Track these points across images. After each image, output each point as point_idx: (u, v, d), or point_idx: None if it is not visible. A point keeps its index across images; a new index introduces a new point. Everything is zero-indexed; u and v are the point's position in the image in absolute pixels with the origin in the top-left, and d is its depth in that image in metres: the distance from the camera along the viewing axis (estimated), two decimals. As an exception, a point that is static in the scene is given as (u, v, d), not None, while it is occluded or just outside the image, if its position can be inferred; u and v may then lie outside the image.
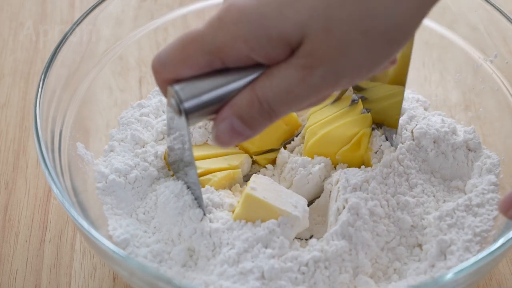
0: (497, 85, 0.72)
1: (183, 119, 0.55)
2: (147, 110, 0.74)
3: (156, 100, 0.76)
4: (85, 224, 0.58)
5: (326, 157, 0.70)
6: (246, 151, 0.72)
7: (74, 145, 0.68)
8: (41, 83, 0.65)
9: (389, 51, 0.50)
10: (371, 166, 0.69)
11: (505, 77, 0.72)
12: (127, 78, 0.79)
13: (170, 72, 0.53)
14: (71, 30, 0.70)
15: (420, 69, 0.81)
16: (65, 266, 0.70)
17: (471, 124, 0.74)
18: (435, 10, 0.77)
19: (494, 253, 0.57)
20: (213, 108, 0.54)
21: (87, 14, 0.72)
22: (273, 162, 0.72)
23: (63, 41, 0.69)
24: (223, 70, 0.53)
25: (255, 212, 0.63)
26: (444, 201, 0.68)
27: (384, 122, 0.71)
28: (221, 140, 0.54)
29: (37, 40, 0.89)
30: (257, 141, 0.71)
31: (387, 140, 0.71)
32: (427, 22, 0.77)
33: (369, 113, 0.71)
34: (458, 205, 0.65)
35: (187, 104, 0.54)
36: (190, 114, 0.54)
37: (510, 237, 0.57)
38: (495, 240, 0.58)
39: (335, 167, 0.71)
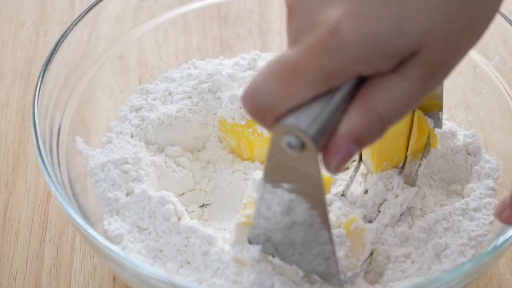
0: (497, 88, 0.72)
1: (311, 152, 0.48)
2: (154, 96, 0.74)
3: (163, 86, 0.75)
4: (76, 216, 0.58)
5: (395, 159, 0.67)
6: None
7: (73, 140, 0.68)
8: (40, 78, 0.65)
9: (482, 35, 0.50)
10: (437, 144, 0.67)
11: (506, 81, 0.72)
12: (127, 78, 0.79)
13: (274, 114, 0.47)
14: (71, 27, 0.70)
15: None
16: (65, 266, 0.70)
17: (472, 125, 0.74)
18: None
19: (485, 257, 0.57)
20: (329, 131, 0.48)
21: (87, 12, 0.72)
22: None
23: (63, 37, 0.69)
24: None
25: None
26: (442, 205, 0.68)
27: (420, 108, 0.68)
28: (338, 170, 0.49)
29: (37, 40, 0.89)
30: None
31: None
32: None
33: None
34: (454, 208, 0.66)
35: (312, 131, 0.46)
36: (318, 141, 0.47)
37: (498, 244, 0.57)
38: (489, 245, 0.59)
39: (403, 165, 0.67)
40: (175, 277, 0.61)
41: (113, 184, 0.66)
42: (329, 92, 0.47)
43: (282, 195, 0.53)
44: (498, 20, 0.71)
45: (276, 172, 0.53)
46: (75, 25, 0.70)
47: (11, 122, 0.81)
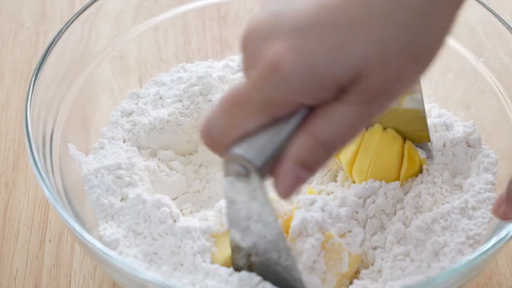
0: (497, 88, 0.72)
1: (255, 181, 0.51)
2: (144, 101, 0.74)
3: (154, 90, 0.75)
4: (75, 224, 0.58)
5: None
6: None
7: (66, 146, 0.68)
8: (32, 83, 0.65)
9: (430, 66, 0.52)
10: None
11: (503, 81, 0.72)
12: (127, 78, 0.79)
13: (224, 143, 0.52)
14: (65, 28, 0.70)
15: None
16: (65, 266, 0.70)
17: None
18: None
19: (485, 254, 0.57)
20: (274, 160, 0.51)
21: (81, 13, 0.71)
22: None
23: (55, 40, 0.68)
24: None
25: None
26: (443, 203, 0.68)
27: (410, 139, 0.70)
28: (288, 194, 0.52)
29: (37, 40, 0.89)
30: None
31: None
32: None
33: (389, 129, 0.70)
34: (453, 207, 0.65)
35: (257, 161, 0.50)
36: (262, 171, 0.51)
37: (496, 241, 0.58)
38: (487, 242, 0.59)
39: None
40: (170, 281, 0.60)
41: (107, 190, 0.66)
42: (278, 121, 0.50)
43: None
44: (494, 20, 0.71)
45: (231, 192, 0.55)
46: (68, 26, 0.70)
47: (11, 122, 0.81)
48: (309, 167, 0.51)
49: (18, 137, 0.80)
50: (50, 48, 0.68)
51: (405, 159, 0.68)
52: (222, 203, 0.63)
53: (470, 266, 0.57)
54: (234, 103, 0.51)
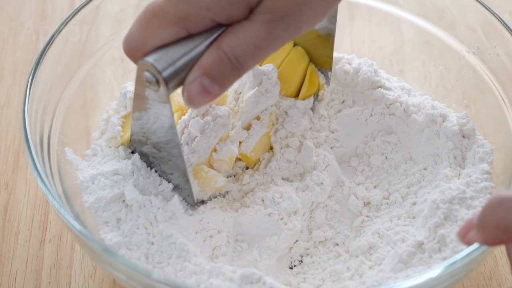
0: (488, 86, 0.73)
1: (162, 90, 0.56)
2: None
3: None
4: (83, 230, 0.58)
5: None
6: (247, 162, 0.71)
7: (63, 150, 0.68)
8: (29, 82, 0.65)
9: (335, 4, 0.56)
10: (323, 99, 0.73)
11: (497, 79, 0.72)
12: (127, 80, 0.79)
13: (141, 52, 0.56)
14: (61, 27, 0.69)
15: (420, 68, 0.81)
16: (65, 266, 0.70)
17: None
18: (434, 11, 0.78)
19: (476, 252, 0.58)
20: (186, 73, 0.56)
21: (78, 11, 0.71)
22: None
23: (52, 39, 0.68)
24: (187, 36, 0.56)
25: None
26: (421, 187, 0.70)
27: (314, 62, 0.73)
28: (193, 101, 0.56)
29: (37, 40, 0.89)
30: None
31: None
32: (426, 24, 0.78)
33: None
34: (452, 198, 0.66)
35: (165, 73, 0.55)
36: (169, 82, 0.55)
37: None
38: None
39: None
40: (176, 280, 0.61)
41: (106, 196, 0.65)
42: (194, 38, 0.55)
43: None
44: (493, 20, 0.71)
45: (139, 102, 0.61)
46: (64, 25, 0.70)
47: (11, 122, 0.81)
48: (216, 78, 0.55)
49: (18, 137, 0.80)
50: (47, 48, 0.68)
51: (307, 79, 0.71)
52: (128, 87, 0.69)
53: (470, 258, 0.57)
54: (151, 14, 0.55)
